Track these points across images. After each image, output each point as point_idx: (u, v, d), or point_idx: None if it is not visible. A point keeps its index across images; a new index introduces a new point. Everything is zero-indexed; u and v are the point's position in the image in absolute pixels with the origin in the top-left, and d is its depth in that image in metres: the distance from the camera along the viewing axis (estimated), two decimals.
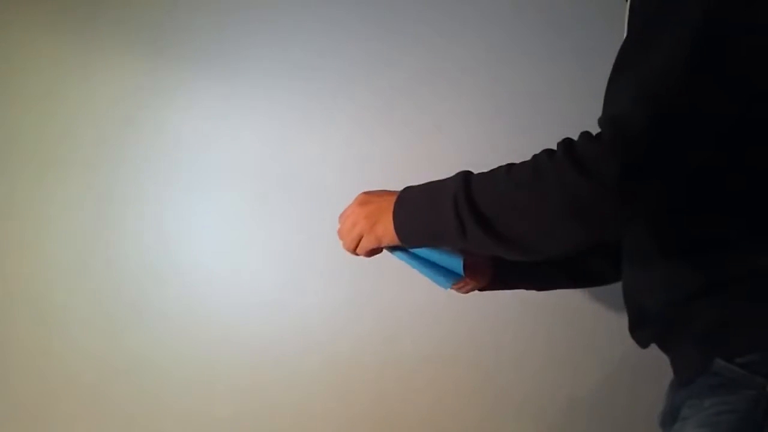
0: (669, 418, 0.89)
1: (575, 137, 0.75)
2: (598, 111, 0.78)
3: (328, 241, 1.39)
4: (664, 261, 0.86)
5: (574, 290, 1.36)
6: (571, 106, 1.36)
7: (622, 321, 1.35)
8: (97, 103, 1.41)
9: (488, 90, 1.40)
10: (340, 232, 0.99)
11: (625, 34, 0.81)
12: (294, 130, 1.41)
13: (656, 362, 0.99)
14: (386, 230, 0.91)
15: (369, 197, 0.95)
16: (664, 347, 0.92)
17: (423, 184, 0.90)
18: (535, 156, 0.78)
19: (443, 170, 1.38)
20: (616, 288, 1.19)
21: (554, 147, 0.75)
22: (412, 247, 0.95)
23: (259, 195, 1.41)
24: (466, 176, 0.84)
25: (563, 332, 1.40)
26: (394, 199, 0.91)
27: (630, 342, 0.97)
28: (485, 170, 0.82)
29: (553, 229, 0.76)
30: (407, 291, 1.38)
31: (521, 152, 1.32)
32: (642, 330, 0.94)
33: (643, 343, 0.96)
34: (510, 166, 0.80)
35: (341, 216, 0.99)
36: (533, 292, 1.19)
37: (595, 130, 0.73)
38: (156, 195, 1.41)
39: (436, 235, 0.87)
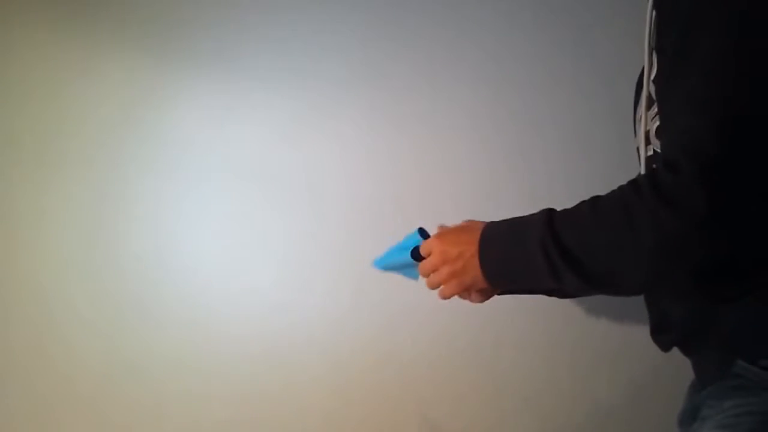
0: (688, 417, 0.89)
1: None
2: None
3: (329, 242, 1.40)
4: None
5: None
6: (578, 103, 1.33)
7: (627, 321, 1.36)
8: (96, 102, 1.40)
9: (493, 89, 1.39)
10: (430, 283, 0.96)
11: (646, 31, 0.80)
12: (295, 129, 1.40)
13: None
14: (475, 279, 0.90)
15: (446, 245, 0.92)
16: (686, 351, 0.92)
17: (504, 225, 0.88)
18: (621, 192, 0.76)
19: (446, 169, 1.39)
20: None
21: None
22: (499, 288, 0.96)
23: (259, 195, 1.40)
24: (549, 216, 0.81)
25: (565, 332, 1.39)
26: (476, 244, 0.88)
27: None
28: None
29: (650, 269, 0.74)
30: (408, 292, 1.36)
31: (527, 152, 1.32)
32: (664, 334, 0.94)
33: (665, 347, 0.95)
34: (593, 202, 0.78)
35: (427, 266, 0.96)
36: None
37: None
38: (156, 195, 1.40)
39: (528, 280, 0.86)
